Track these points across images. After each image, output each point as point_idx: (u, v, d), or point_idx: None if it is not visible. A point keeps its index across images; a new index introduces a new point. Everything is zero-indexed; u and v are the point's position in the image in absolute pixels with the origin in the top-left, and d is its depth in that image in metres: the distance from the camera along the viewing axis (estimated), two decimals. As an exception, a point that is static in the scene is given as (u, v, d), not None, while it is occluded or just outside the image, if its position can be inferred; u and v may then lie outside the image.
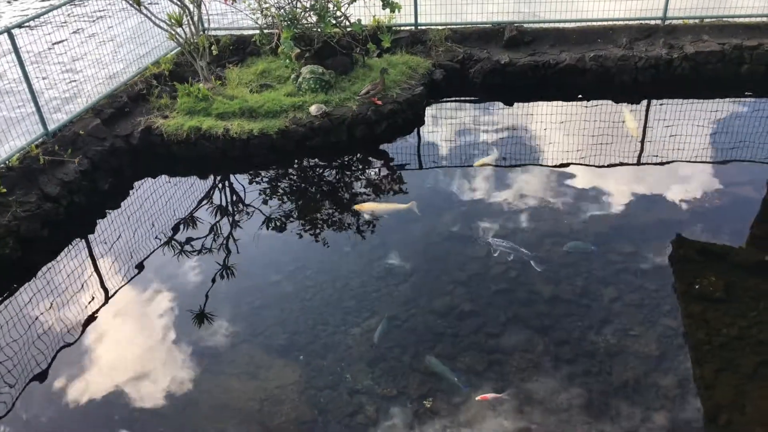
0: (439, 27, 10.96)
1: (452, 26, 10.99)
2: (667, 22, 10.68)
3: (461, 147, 9.11)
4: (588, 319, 6.06)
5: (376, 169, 8.76)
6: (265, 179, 8.67)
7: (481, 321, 6.14)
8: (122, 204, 8.37)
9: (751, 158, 8.47)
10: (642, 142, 8.97)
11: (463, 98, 10.39)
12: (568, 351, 5.76)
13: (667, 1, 10.46)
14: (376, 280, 6.69)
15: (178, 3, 9.07)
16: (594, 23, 10.86)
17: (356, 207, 7.74)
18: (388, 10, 9.47)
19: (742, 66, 10.05)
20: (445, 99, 10.38)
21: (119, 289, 6.86)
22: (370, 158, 9.00)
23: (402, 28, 11.02)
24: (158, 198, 8.47)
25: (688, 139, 8.89)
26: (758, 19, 10.55)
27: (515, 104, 10.16)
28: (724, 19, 10.72)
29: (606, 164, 8.44)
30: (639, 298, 6.27)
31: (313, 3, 9.36)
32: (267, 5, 9.60)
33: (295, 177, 8.77)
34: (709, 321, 5.96)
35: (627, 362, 5.59)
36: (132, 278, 6.99)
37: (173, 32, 9.17)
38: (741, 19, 10.62)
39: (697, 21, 10.75)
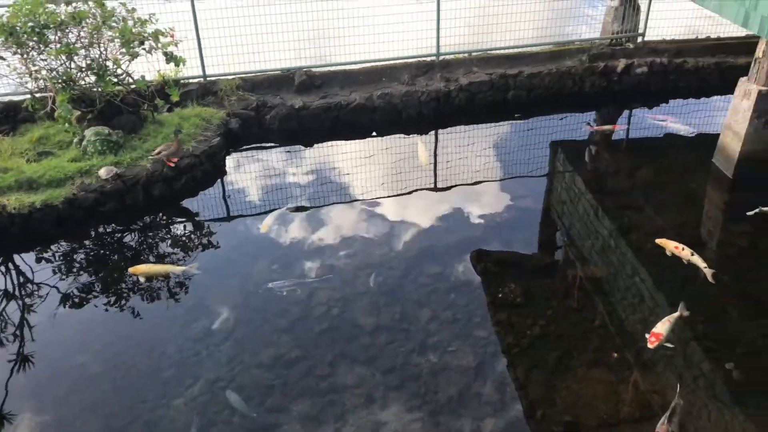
0: (229, 77, 10.91)
1: (242, 75, 10.99)
2: (441, 57, 11.63)
3: (267, 192, 9.08)
4: (409, 343, 6.29)
5: (181, 227, 8.42)
6: (56, 254, 7.91)
7: (309, 365, 6.11)
8: None
9: (527, 173, 9.45)
10: (435, 169, 9.61)
11: (262, 145, 10.40)
12: (395, 378, 5.93)
13: (438, 39, 11.41)
14: (194, 344, 6.37)
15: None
16: (378, 63, 11.50)
17: (131, 270, 7.31)
18: (172, 64, 9.24)
19: (509, 92, 11.25)
20: (244, 147, 10.30)
21: None
22: (173, 216, 8.62)
23: (190, 80, 10.80)
24: (-75, 293, 7.35)
25: (474, 161, 9.70)
26: (516, 50, 11.89)
27: (314, 146, 10.38)
28: (489, 51, 11.93)
29: (406, 193, 8.92)
30: (452, 314, 6.65)
31: (89, 62, 8.84)
32: (36, 68, 8.87)
33: (91, 247, 8.11)
34: (515, 325, 6.49)
35: (450, 378, 5.88)
36: None
37: None
38: (502, 51, 11.90)
39: (466, 55, 11.84)
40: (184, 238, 8.15)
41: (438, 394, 5.74)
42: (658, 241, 7.40)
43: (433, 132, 10.70)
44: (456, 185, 9.10)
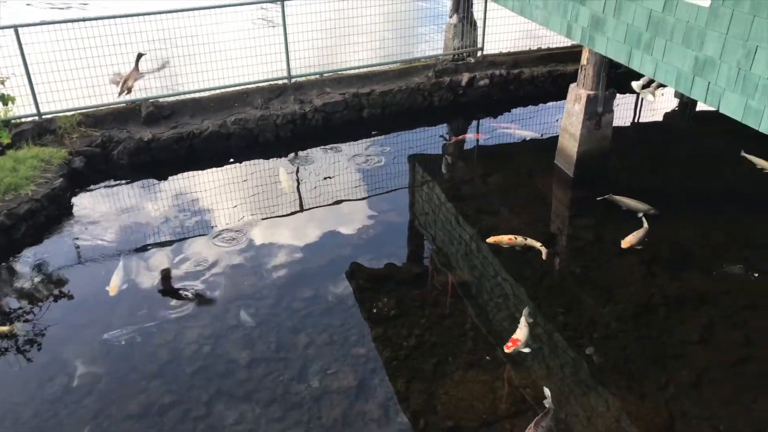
0: (68, 113, 10.19)
1: (82, 110, 10.31)
2: (294, 80, 11.62)
3: (120, 232, 8.54)
4: (288, 372, 6.16)
5: (24, 280, 7.67)
6: None
7: (185, 408, 5.80)
8: None
9: (390, 188, 9.64)
10: (299, 191, 9.54)
11: (112, 182, 9.78)
12: (277, 409, 5.77)
13: (288, 62, 11.40)
14: (52, 404, 5.83)
15: None
16: (228, 89, 11.27)
17: None
18: (0, 103, 8.50)
19: (363, 111, 11.46)
20: (92, 186, 9.64)
21: None
22: (14, 268, 7.85)
23: (23, 119, 9.97)
24: None
25: (337, 181, 9.74)
26: (366, 70, 12.16)
27: (169, 178, 9.94)
28: (340, 72, 12.10)
29: (271, 218, 8.76)
30: (329, 336, 6.60)
31: None
32: None
33: None
34: (392, 338, 6.56)
35: (332, 401, 5.81)
36: None
37: None
38: (353, 71, 12.11)
39: (318, 76, 11.92)
40: (28, 292, 7.45)
41: (322, 419, 5.65)
42: (490, 240, 7.82)
43: (292, 154, 10.63)
44: (321, 206, 9.09)
